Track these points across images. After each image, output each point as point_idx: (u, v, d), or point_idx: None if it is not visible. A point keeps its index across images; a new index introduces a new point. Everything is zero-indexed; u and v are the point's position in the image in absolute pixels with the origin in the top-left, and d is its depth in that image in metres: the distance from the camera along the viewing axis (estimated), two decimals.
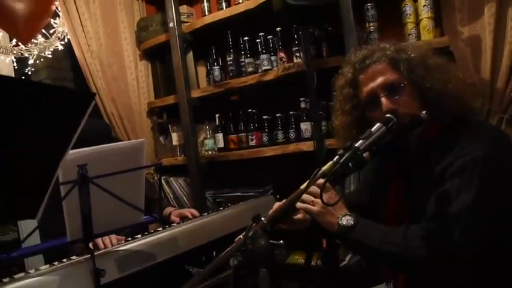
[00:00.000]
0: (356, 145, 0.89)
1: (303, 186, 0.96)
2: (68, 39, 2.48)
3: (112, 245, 1.33)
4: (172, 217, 1.76)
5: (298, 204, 1.10)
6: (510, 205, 0.98)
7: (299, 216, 1.17)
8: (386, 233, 1.03)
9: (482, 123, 1.18)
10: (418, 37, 1.90)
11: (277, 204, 1.19)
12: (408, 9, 1.90)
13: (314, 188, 0.99)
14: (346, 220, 1.05)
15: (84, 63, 2.47)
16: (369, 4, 1.94)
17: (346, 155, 0.87)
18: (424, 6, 1.86)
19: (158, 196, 1.84)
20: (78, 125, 0.84)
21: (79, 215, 1.14)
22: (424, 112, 0.95)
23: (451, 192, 0.95)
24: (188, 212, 1.79)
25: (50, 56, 2.51)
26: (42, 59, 2.55)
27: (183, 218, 1.73)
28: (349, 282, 1.73)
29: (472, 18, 1.87)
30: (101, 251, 1.26)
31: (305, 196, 1.14)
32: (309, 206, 1.08)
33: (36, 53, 2.46)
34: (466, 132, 1.03)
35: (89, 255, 1.16)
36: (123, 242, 1.37)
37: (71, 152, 0.98)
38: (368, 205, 1.29)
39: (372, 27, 1.93)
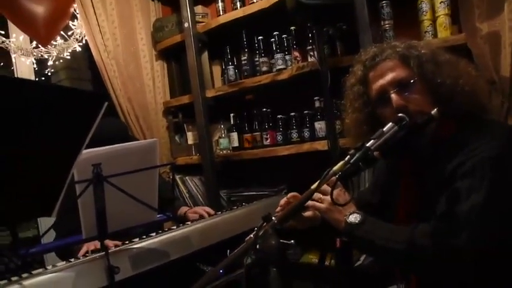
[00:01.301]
0: (367, 145, 0.88)
1: (314, 186, 0.96)
2: (86, 40, 2.54)
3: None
4: (190, 215, 1.79)
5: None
6: None
7: (309, 213, 1.18)
8: (393, 231, 1.02)
9: (496, 122, 1.16)
10: (435, 34, 1.86)
11: (284, 201, 1.20)
12: (424, 6, 1.87)
13: (324, 186, 0.99)
14: (354, 218, 1.05)
15: (101, 63, 2.51)
16: (384, 2, 1.91)
17: (357, 155, 0.87)
18: (441, 2, 1.83)
19: (171, 195, 1.86)
20: (92, 125, 0.86)
21: (94, 213, 1.16)
22: (435, 110, 0.93)
23: (461, 191, 0.94)
24: (202, 209, 1.81)
25: (69, 57, 2.57)
26: (61, 60, 2.63)
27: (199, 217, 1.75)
28: (364, 283, 1.71)
29: (491, 14, 1.83)
30: (116, 249, 1.28)
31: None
32: (317, 204, 1.08)
33: (55, 54, 2.53)
34: (479, 131, 1.01)
35: (103, 253, 1.18)
36: (137, 239, 1.39)
37: (85, 151, 1.01)
38: (379, 205, 1.27)
39: (387, 25, 1.91)
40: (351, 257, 1.73)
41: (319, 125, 2.18)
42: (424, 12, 1.87)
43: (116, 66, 2.54)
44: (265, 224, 0.92)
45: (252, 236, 0.89)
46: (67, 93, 0.83)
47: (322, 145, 2.09)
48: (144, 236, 1.43)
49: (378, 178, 1.32)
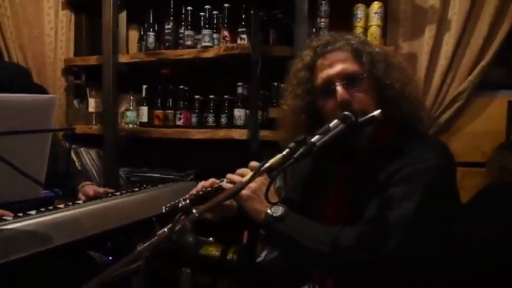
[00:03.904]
0: (313, 140, 0.80)
1: (245, 179, 0.85)
2: None
3: None
4: (80, 194, 1.53)
5: (226, 185, 1.03)
6: (446, 220, 0.98)
7: (227, 201, 1.07)
8: (317, 230, 0.98)
9: (431, 136, 1.19)
10: None
11: (200, 185, 1.10)
12: (360, 13, 1.89)
13: (249, 173, 0.89)
14: (276, 210, 0.99)
15: None
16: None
17: (301, 150, 0.78)
18: (375, 13, 1.86)
19: (66, 167, 1.59)
20: None
21: None
22: (379, 111, 0.90)
23: (394, 198, 0.93)
24: (103, 191, 1.58)
25: None
26: None
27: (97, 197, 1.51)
28: (267, 280, 1.68)
29: (413, 35, 1.93)
30: None
31: (235, 177, 1.05)
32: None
33: None
34: (417, 141, 1.01)
35: None
36: (10, 218, 1.13)
37: None
38: (300, 203, 1.22)
39: (322, 23, 1.88)
40: (255, 253, 1.68)
41: (239, 113, 2.09)
42: (358, 19, 1.89)
43: (8, 3, 2.10)
44: (183, 216, 0.78)
45: (165, 229, 0.74)
46: None
47: (239, 134, 2.00)
48: (21, 214, 1.17)
49: (300, 175, 1.27)
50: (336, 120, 0.88)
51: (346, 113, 0.90)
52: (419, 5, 1.91)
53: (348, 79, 1.01)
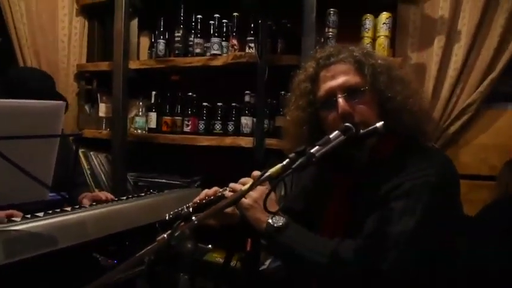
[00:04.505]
0: (312, 151, 0.81)
1: (245, 187, 0.85)
2: None
3: None
4: (84, 200, 1.55)
5: (228, 193, 1.04)
6: (446, 235, 0.97)
7: (228, 209, 1.07)
8: (317, 241, 0.98)
9: (434, 149, 1.18)
10: None
11: (204, 193, 1.11)
12: (368, 23, 1.89)
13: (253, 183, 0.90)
14: (277, 220, 0.99)
15: (6, 1, 2.10)
16: (331, 9, 1.90)
17: (300, 161, 0.79)
18: (383, 24, 1.86)
19: (71, 170, 1.61)
20: None
21: None
22: (381, 123, 0.90)
23: (394, 213, 0.92)
24: (103, 195, 1.59)
25: None
26: None
27: (97, 202, 1.53)
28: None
29: (422, 45, 1.93)
30: None
31: (237, 186, 1.06)
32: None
33: None
34: (419, 155, 1.00)
35: None
36: (19, 219, 1.15)
37: None
38: (302, 213, 1.22)
39: (330, 33, 1.89)
40: (259, 261, 1.68)
41: (245, 121, 2.10)
42: (367, 29, 1.89)
43: (24, 10, 2.16)
44: (182, 223, 0.79)
45: (165, 235, 0.75)
46: None
47: (246, 142, 2.01)
48: (29, 216, 1.19)
49: (304, 185, 1.27)
50: (336, 132, 0.88)
51: (347, 124, 0.91)
52: (428, 16, 1.91)
53: (349, 91, 1.01)
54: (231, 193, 1.06)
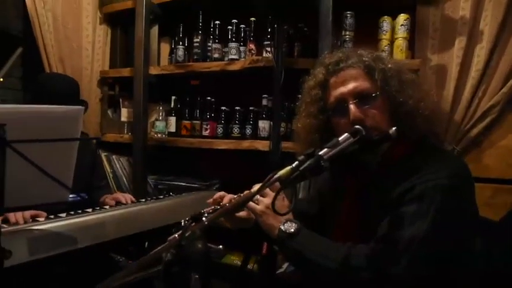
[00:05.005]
0: (320, 153, 0.81)
1: (254, 189, 0.87)
2: None
3: (24, 221, 1.15)
4: (107, 200, 1.60)
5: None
6: (460, 239, 0.95)
7: (242, 213, 1.11)
8: (328, 247, 0.98)
9: (447, 151, 1.16)
10: (391, 55, 1.87)
11: (218, 195, 1.12)
12: (385, 25, 1.87)
13: (267, 190, 0.91)
14: (289, 226, 0.99)
15: (34, 13, 2.20)
16: (348, 12, 1.89)
17: (308, 163, 0.79)
18: (401, 25, 1.84)
19: (91, 172, 1.66)
20: None
21: None
22: (394, 129, 0.89)
23: (406, 216, 0.91)
24: (122, 196, 1.64)
25: None
26: None
27: (117, 203, 1.58)
28: None
29: (442, 47, 1.89)
30: (10, 228, 1.08)
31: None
32: (252, 204, 1.01)
33: None
34: (431, 158, 0.99)
35: None
36: (43, 219, 1.20)
37: None
38: (316, 217, 1.22)
39: (347, 36, 1.88)
40: (275, 264, 1.68)
41: (263, 124, 2.11)
42: (384, 32, 1.87)
43: (51, 20, 2.25)
44: (193, 223, 0.80)
45: (176, 235, 0.77)
46: None
47: (263, 145, 2.02)
48: (52, 216, 1.24)
49: (319, 189, 1.27)
50: (345, 134, 0.88)
51: (356, 126, 0.90)
52: (448, 16, 1.87)
53: (360, 97, 1.00)
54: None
